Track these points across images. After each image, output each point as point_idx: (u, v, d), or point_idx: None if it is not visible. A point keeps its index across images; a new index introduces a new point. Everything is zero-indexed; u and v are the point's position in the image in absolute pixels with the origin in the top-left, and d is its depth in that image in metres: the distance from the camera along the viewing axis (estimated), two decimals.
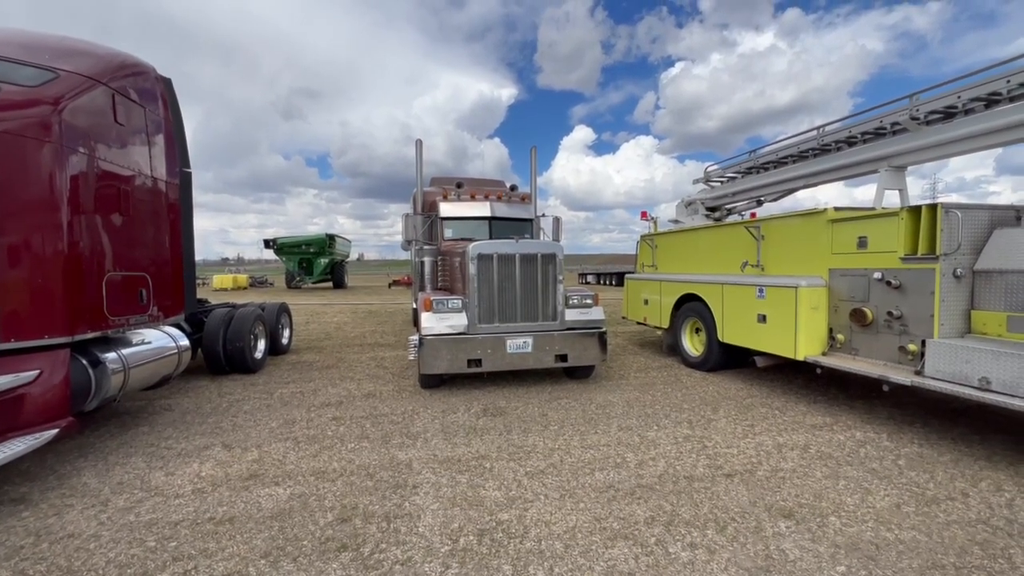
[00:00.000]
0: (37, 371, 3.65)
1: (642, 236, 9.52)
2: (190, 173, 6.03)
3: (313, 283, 34.42)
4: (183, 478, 3.77)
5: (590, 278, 41.54)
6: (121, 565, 2.67)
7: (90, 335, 4.11)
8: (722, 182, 10.20)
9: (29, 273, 3.74)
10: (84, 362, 4.05)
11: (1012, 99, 5.31)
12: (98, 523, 3.12)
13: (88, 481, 3.73)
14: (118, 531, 3.02)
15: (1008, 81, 5.26)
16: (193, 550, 2.81)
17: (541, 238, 8.76)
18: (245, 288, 35.98)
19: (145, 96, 5.04)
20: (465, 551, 2.80)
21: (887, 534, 2.95)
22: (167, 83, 5.54)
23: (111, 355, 4.30)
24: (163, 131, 5.33)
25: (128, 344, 4.61)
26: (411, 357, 5.98)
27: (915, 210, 4.60)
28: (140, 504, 3.36)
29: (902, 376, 4.50)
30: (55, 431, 3.61)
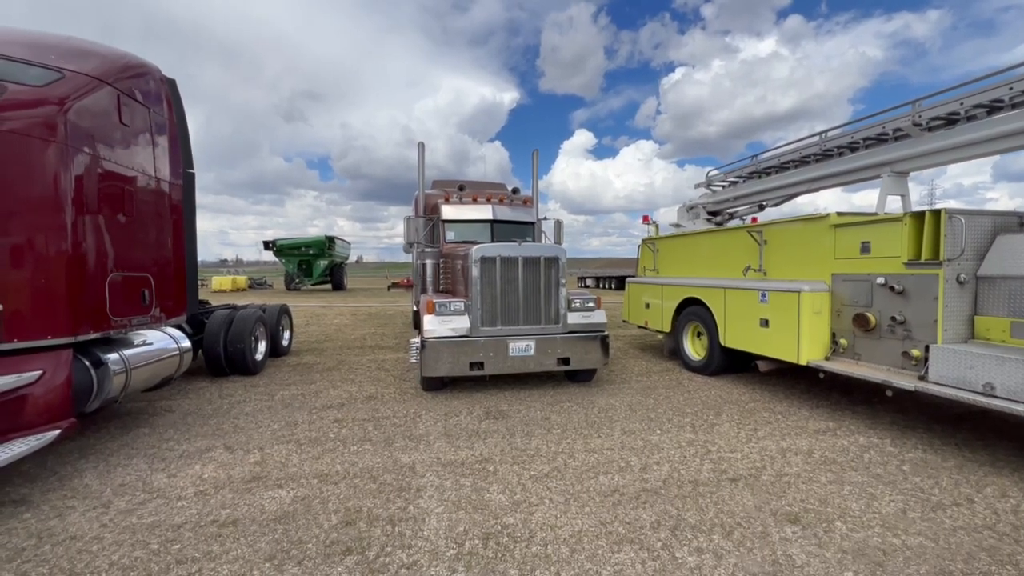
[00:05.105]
0: (40, 371, 3.63)
1: (643, 240, 9.53)
2: (193, 174, 6.02)
3: (312, 285, 34.40)
4: (185, 480, 3.75)
5: (589, 281, 41.56)
6: (124, 568, 2.65)
7: (93, 336, 4.09)
8: (724, 186, 10.23)
9: (32, 273, 3.73)
10: (86, 363, 4.03)
11: (1014, 106, 5.34)
12: (100, 525, 3.09)
13: (89, 483, 3.70)
14: (121, 533, 3.00)
15: (1011, 88, 5.29)
16: (197, 553, 2.79)
17: (542, 241, 8.77)
18: (244, 290, 35.93)
19: (149, 97, 5.04)
20: (471, 555, 2.79)
21: (894, 540, 2.94)
22: (171, 84, 5.54)
23: (113, 356, 4.28)
24: (167, 132, 5.33)
25: (130, 345, 4.58)
26: (413, 360, 5.97)
27: (918, 215, 4.61)
28: (142, 506, 3.34)
29: (906, 381, 4.50)
30: (57, 432, 3.58)
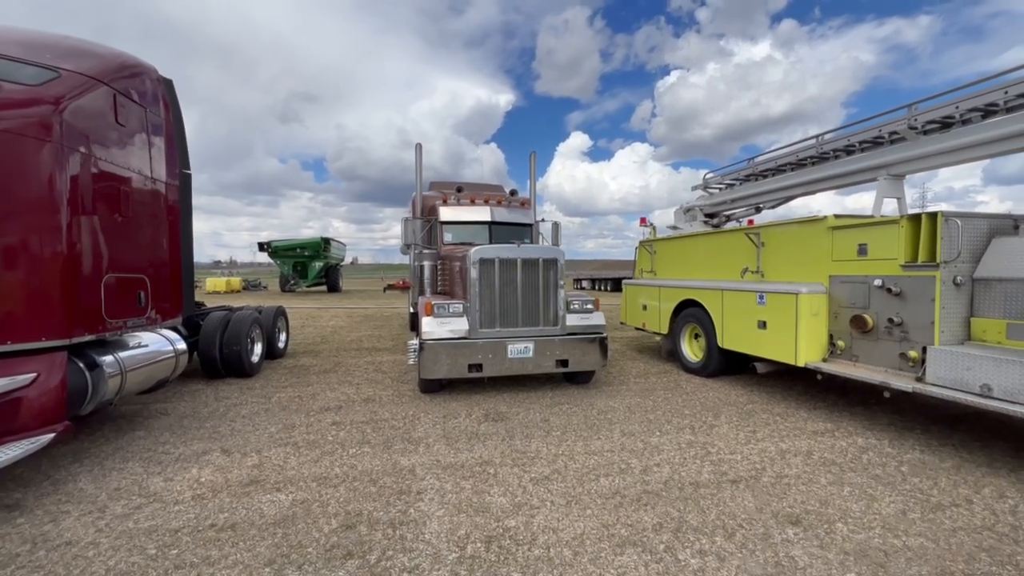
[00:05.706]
0: (34, 374, 3.58)
1: (641, 242, 9.55)
2: (190, 175, 5.97)
3: (307, 287, 34.24)
4: (182, 484, 3.70)
5: (585, 283, 41.59)
6: (121, 574, 2.61)
7: (87, 338, 4.05)
8: (720, 189, 10.27)
9: (27, 274, 3.68)
10: (81, 365, 3.98)
11: (1009, 109, 5.39)
12: (96, 530, 3.05)
13: (84, 487, 3.65)
14: (117, 538, 2.95)
15: (1006, 92, 5.34)
16: (195, 558, 2.76)
17: (540, 243, 8.77)
18: (238, 291, 35.71)
19: (146, 97, 5.00)
20: (473, 558, 2.77)
21: (895, 540, 2.95)
22: (168, 84, 5.51)
23: (108, 358, 4.22)
24: (163, 132, 5.29)
25: (125, 347, 4.53)
26: (411, 361, 5.94)
27: (915, 218, 4.64)
28: (139, 511, 3.29)
29: (903, 383, 4.52)
30: (51, 435, 3.53)
